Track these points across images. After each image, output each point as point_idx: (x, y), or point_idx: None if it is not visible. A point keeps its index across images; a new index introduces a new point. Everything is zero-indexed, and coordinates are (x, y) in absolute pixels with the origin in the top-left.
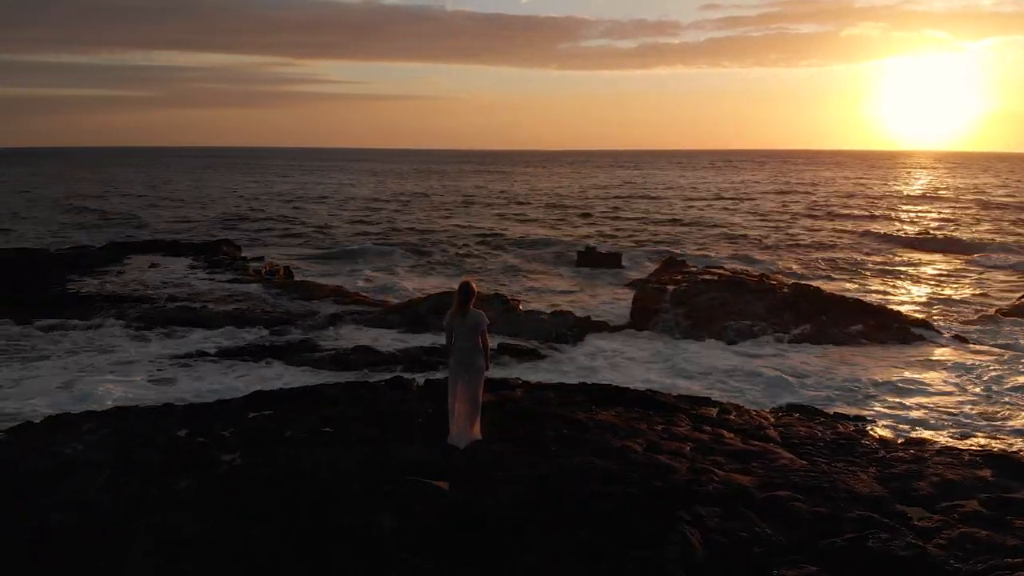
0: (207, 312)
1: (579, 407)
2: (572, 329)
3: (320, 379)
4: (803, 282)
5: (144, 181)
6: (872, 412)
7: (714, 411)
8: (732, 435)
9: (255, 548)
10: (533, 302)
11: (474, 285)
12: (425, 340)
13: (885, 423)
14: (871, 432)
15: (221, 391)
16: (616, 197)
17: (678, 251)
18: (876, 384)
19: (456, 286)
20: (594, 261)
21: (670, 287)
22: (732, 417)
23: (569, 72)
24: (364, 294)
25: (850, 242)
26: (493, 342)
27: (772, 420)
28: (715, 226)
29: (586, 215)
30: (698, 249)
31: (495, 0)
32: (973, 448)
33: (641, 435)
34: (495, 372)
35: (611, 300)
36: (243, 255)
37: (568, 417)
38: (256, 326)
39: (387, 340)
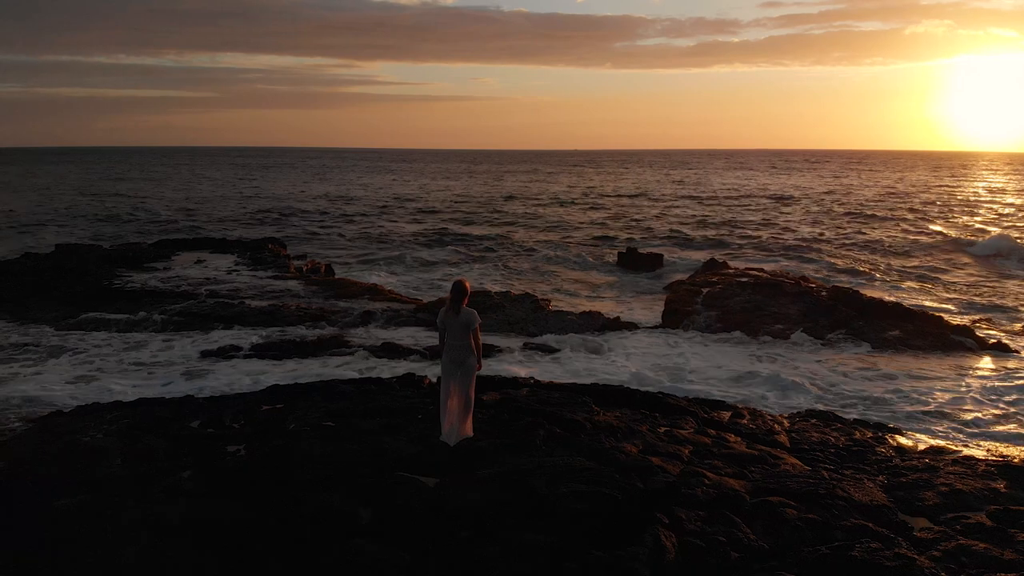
0: (243, 308)
1: (581, 407)
2: (600, 329)
3: (343, 375)
4: (843, 285)
5: (204, 179)
6: (895, 419)
7: (727, 414)
8: (737, 439)
9: (245, 541)
10: (567, 302)
11: (467, 284)
12: None
13: (907, 431)
14: (889, 440)
15: (245, 385)
16: (666, 196)
17: (722, 252)
18: (905, 390)
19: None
20: (634, 262)
21: (704, 288)
22: (744, 421)
23: (626, 71)
24: (398, 291)
25: (901, 244)
26: (518, 341)
27: (786, 425)
28: (764, 227)
29: (632, 215)
30: (743, 251)
31: (551, 0)
32: (991, 459)
33: (639, 437)
34: (507, 371)
35: (646, 301)
36: (287, 252)
37: (566, 417)
38: (289, 322)
39: (420, 337)
